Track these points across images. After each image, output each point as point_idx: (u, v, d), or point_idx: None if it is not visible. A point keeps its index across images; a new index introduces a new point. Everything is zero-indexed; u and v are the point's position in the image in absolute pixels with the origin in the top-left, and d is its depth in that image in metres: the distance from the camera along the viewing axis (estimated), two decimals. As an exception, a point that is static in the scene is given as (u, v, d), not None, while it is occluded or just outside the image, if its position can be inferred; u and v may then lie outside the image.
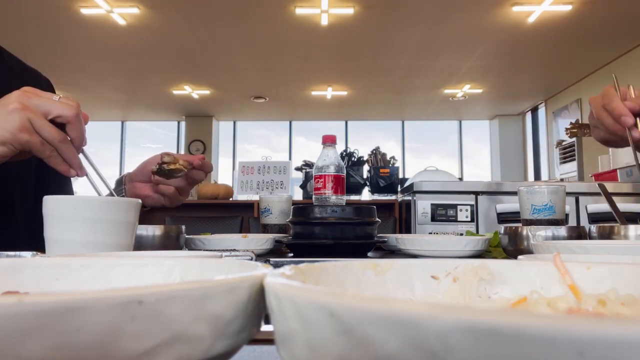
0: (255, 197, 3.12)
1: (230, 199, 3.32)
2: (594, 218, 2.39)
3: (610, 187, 1.11)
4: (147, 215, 0.91)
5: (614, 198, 0.96)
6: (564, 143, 5.38)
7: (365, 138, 8.22)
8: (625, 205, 2.33)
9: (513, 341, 0.11)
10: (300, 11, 4.17)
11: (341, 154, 3.69)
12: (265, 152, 8.18)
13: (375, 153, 3.77)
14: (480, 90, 6.52)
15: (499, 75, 5.92)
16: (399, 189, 3.46)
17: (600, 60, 5.21)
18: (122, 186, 0.90)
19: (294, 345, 0.16)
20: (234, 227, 2.79)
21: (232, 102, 7.18)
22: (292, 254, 0.98)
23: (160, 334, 0.16)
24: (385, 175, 3.54)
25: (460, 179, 5.94)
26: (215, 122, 8.06)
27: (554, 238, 0.82)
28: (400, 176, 3.86)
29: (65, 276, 0.29)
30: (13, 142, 0.60)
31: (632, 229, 0.77)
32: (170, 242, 0.83)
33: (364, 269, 0.27)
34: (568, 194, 0.97)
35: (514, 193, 2.45)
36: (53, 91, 1.00)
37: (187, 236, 0.92)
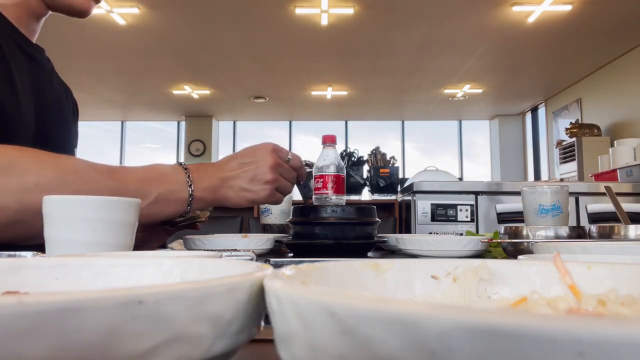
0: (255, 197, 3.11)
1: (230, 199, 3.31)
2: (594, 218, 2.39)
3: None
4: None
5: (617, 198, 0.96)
6: (564, 143, 5.38)
7: (365, 138, 8.22)
8: (625, 205, 2.32)
9: (513, 341, 0.11)
10: (300, 11, 4.17)
11: (341, 154, 3.69)
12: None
13: (375, 153, 3.78)
14: (480, 90, 6.52)
15: (499, 75, 5.92)
16: (398, 189, 3.46)
17: (600, 60, 5.21)
18: None
19: (294, 345, 0.16)
20: (234, 227, 2.79)
21: (232, 102, 7.18)
22: (292, 254, 0.98)
23: (160, 334, 0.16)
24: (385, 175, 3.55)
25: (460, 179, 5.94)
26: (215, 122, 8.06)
27: (555, 238, 0.82)
28: (400, 176, 3.87)
29: (65, 276, 0.29)
30: (260, 203, 0.83)
31: (632, 229, 0.77)
32: None
33: (364, 269, 0.27)
34: (569, 194, 0.97)
35: (514, 193, 2.46)
36: (77, 109, 1.06)
37: (187, 236, 0.92)
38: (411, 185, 2.60)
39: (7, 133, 0.73)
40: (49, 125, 0.87)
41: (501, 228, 0.90)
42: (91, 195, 0.61)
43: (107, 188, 0.65)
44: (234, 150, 8.44)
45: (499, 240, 0.84)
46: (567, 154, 5.24)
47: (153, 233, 0.89)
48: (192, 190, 0.74)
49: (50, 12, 0.89)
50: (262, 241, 0.92)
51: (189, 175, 0.74)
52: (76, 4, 0.84)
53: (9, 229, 0.61)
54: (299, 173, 0.88)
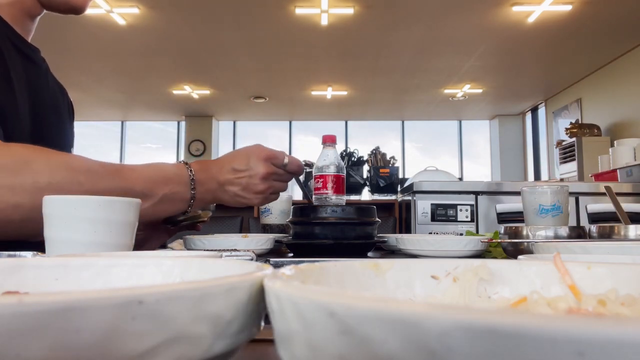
0: (255, 197, 3.11)
1: (230, 199, 3.31)
2: (594, 218, 2.39)
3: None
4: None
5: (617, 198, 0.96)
6: (564, 143, 5.38)
7: (365, 138, 8.22)
8: (625, 205, 2.32)
9: (513, 341, 0.11)
10: (300, 11, 4.17)
11: (341, 154, 3.69)
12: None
13: (375, 153, 3.78)
14: (480, 90, 6.52)
15: (499, 75, 5.92)
16: (399, 189, 3.46)
17: (600, 60, 5.21)
18: None
19: (294, 345, 0.16)
20: (234, 227, 2.79)
21: (232, 102, 7.18)
22: (292, 254, 0.98)
23: (160, 334, 0.16)
24: (385, 175, 3.55)
25: (460, 179, 5.94)
26: (215, 122, 8.06)
27: (555, 238, 0.82)
28: (400, 176, 3.86)
29: (65, 276, 0.29)
30: (255, 206, 0.86)
31: (632, 229, 0.77)
32: None
33: (364, 269, 0.27)
34: (569, 194, 0.97)
35: (514, 193, 2.46)
36: (72, 109, 1.06)
37: (187, 236, 0.92)
38: (411, 185, 2.60)
39: (3, 133, 0.73)
40: (45, 125, 0.87)
41: (501, 228, 0.90)
42: (102, 194, 0.62)
43: (117, 187, 0.67)
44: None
45: (499, 240, 0.84)
46: (567, 154, 5.24)
47: (154, 232, 0.89)
48: (194, 193, 0.77)
49: (44, 12, 0.89)
50: (262, 241, 0.92)
51: (192, 178, 0.76)
52: (72, 1, 0.84)
53: (21, 227, 0.63)
54: (297, 173, 0.88)
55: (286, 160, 0.85)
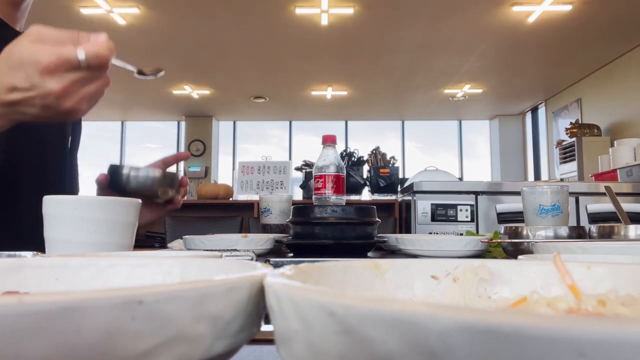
0: (255, 197, 3.12)
1: (230, 199, 3.32)
2: (594, 218, 2.39)
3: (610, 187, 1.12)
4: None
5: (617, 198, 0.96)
6: (564, 143, 5.38)
7: (366, 138, 8.22)
8: (625, 205, 2.31)
9: (513, 341, 0.11)
10: (300, 11, 4.17)
11: (341, 154, 3.69)
12: (266, 151, 8.18)
13: (375, 153, 3.77)
14: (480, 90, 6.52)
15: (499, 75, 5.92)
16: (399, 189, 3.46)
17: (600, 60, 5.21)
18: None
19: (294, 345, 0.16)
20: (234, 227, 2.79)
21: (232, 102, 7.18)
22: (292, 254, 0.99)
23: (160, 334, 0.16)
24: (385, 175, 3.54)
25: (460, 179, 5.94)
26: (215, 122, 8.06)
27: (555, 238, 0.82)
28: (400, 176, 3.86)
29: (65, 276, 0.29)
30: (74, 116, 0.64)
31: (632, 229, 0.77)
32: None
33: (364, 269, 0.27)
34: (569, 194, 0.97)
35: (514, 193, 2.46)
36: None
37: (187, 236, 0.92)
38: (411, 185, 2.60)
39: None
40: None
41: (501, 228, 0.90)
42: None
43: None
44: (234, 150, 8.43)
45: (499, 240, 0.84)
46: (567, 154, 5.24)
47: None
48: None
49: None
50: (262, 241, 0.92)
51: None
52: None
53: None
54: (104, 64, 0.64)
55: (81, 54, 0.58)
